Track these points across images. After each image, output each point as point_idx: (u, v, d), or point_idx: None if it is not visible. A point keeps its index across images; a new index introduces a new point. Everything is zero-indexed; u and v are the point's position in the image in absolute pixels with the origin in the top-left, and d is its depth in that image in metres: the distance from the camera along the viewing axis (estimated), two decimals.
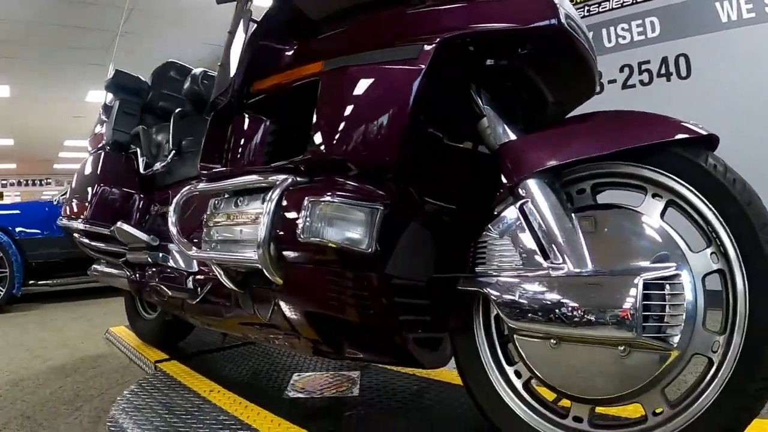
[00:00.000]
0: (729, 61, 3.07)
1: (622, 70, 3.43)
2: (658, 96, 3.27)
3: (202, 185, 1.45)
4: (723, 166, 0.96)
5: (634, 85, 3.39)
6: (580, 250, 1.02)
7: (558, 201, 1.06)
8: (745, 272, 0.91)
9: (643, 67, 3.36)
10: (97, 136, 2.98)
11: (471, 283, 1.16)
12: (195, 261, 1.77)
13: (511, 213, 1.11)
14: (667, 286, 0.94)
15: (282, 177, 1.19)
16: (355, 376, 1.97)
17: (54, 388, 2.39)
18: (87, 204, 2.47)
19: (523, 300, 1.06)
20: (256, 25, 1.39)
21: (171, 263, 2.02)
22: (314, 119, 1.18)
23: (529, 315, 1.05)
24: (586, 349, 1.02)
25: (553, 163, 1.06)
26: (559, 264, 1.03)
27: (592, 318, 0.97)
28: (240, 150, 1.38)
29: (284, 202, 1.18)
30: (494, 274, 1.12)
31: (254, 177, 1.27)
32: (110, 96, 2.91)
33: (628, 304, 0.94)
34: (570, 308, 1.00)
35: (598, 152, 1.02)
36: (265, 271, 1.18)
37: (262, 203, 1.21)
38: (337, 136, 1.13)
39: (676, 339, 0.93)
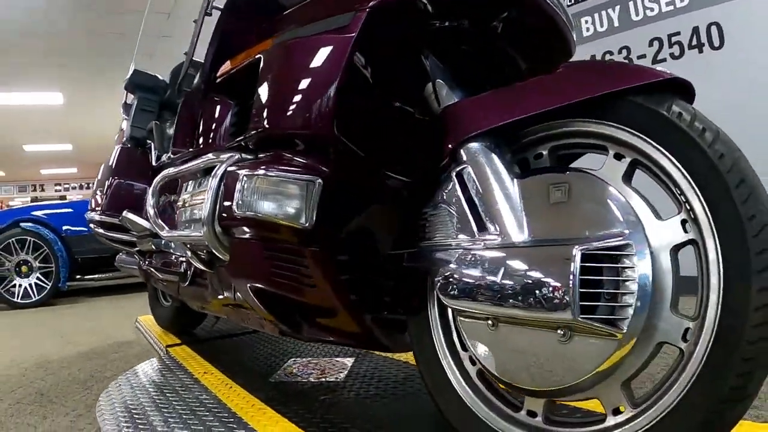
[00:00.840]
0: (765, 28, 2.89)
1: (651, 44, 3.28)
2: (690, 69, 3.11)
3: (171, 169, 1.49)
4: (691, 114, 0.80)
5: (664, 59, 3.24)
6: (518, 220, 0.92)
7: (500, 166, 0.96)
8: (717, 241, 0.75)
9: (673, 39, 3.21)
10: (120, 134, 3.13)
11: (413, 259, 1.10)
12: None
13: (449, 181, 1.03)
14: (613, 259, 0.81)
15: (228, 155, 1.21)
16: (348, 363, 1.98)
17: (73, 370, 2.52)
18: (102, 196, 2.58)
19: (455, 275, 0.97)
20: (220, 12, 1.42)
21: (171, 249, 2.08)
22: (255, 96, 1.18)
23: (462, 292, 0.96)
24: (525, 331, 0.90)
25: (492, 124, 0.96)
26: (494, 235, 0.94)
27: (525, 296, 0.86)
28: (206, 132, 1.42)
29: (226, 180, 1.18)
30: (431, 247, 1.06)
31: (210, 157, 1.30)
32: (131, 95, 3.04)
33: (562, 279, 0.82)
34: (502, 284, 0.89)
35: (542, 108, 0.90)
36: (211, 247, 1.21)
37: None
38: (272, 111, 1.12)
39: (626, 323, 0.79)
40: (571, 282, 0.81)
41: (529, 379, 0.92)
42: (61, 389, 2.20)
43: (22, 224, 5.17)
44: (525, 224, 0.92)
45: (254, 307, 1.27)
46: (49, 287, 5.14)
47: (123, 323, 3.70)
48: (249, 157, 1.20)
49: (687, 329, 0.78)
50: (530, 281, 0.86)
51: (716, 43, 3.06)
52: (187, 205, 1.37)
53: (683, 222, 0.81)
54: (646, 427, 0.80)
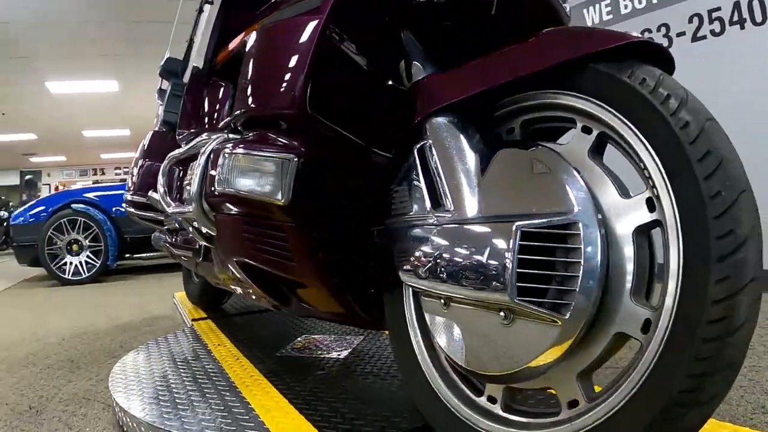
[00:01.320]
0: None
1: (690, 20, 3.16)
2: (732, 47, 3.00)
3: (176, 150, 1.57)
4: (655, 80, 0.73)
5: (704, 37, 3.12)
6: (472, 196, 0.90)
7: (463, 141, 0.94)
8: (679, 222, 0.69)
9: (714, 15, 3.08)
10: (157, 119, 3.28)
11: (381, 236, 1.11)
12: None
13: (411, 156, 1.03)
14: (557, 239, 0.76)
15: (217, 135, 1.27)
16: (355, 342, 2.03)
17: (106, 341, 2.69)
18: (134, 177, 2.72)
19: (411, 253, 0.97)
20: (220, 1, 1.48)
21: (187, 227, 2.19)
22: (239, 80, 1.23)
23: (415, 270, 0.95)
24: (472, 312, 0.88)
25: (454, 97, 0.93)
26: (447, 212, 0.93)
27: (469, 275, 0.84)
28: (204, 115, 1.49)
29: (211, 159, 1.25)
30: (393, 224, 1.06)
31: (203, 138, 1.37)
32: (165, 82, 3.17)
33: (499, 257, 0.79)
34: (449, 262, 0.88)
35: (505, 80, 0.86)
36: (199, 223, 1.27)
37: None
38: (252, 94, 1.17)
39: (569, 309, 0.74)
40: (508, 261, 0.77)
41: (479, 363, 0.89)
42: (91, 357, 2.36)
43: (74, 205, 5.47)
44: (478, 201, 0.89)
45: (243, 281, 1.33)
46: (98, 265, 5.43)
47: (163, 300, 3.88)
48: (235, 137, 1.26)
49: (647, 320, 0.72)
50: (474, 260, 0.84)
51: (758, 18, 2.92)
52: (185, 184, 1.45)
53: (648, 201, 0.74)
54: (590, 426, 0.76)
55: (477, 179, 0.91)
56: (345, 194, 1.20)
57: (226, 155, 1.17)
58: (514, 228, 0.78)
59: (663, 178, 0.71)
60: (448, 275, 0.88)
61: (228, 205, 1.22)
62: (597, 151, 0.83)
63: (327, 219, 1.15)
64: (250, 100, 1.17)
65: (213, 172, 1.21)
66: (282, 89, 1.08)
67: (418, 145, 1.00)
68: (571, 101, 0.83)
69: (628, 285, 0.74)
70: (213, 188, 1.20)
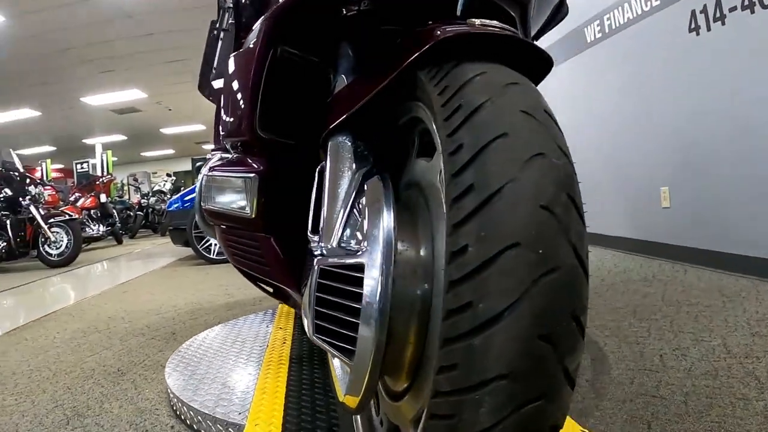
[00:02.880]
0: None
1: None
2: None
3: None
4: (458, 85, 0.69)
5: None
6: (332, 225, 0.88)
7: (345, 163, 0.93)
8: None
9: None
10: None
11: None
12: None
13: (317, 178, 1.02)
14: (345, 278, 0.79)
15: (216, 155, 1.53)
16: None
17: (210, 317, 3.16)
18: None
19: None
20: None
21: None
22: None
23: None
24: None
25: (340, 116, 0.92)
26: (316, 239, 0.92)
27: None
28: (215, 134, 1.75)
29: (204, 177, 1.50)
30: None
31: (208, 156, 1.65)
32: None
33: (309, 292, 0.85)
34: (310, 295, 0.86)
35: (372, 92, 0.84)
36: (204, 231, 1.55)
37: None
38: (220, 119, 1.37)
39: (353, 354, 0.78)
40: (312, 297, 0.81)
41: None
42: (190, 332, 2.81)
43: None
44: (337, 231, 0.87)
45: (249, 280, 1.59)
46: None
47: None
48: (226, 156, 1.49)
49: None
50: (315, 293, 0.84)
51: None
52: None
53: None
54: None
55: (341, 206, 0.90)
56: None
57: (206, 175, 1.44)
58: (315, 263, 0.83)
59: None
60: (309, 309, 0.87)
61: (210, 217, 1.48)
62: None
63: (293, 227, 1.25)
64: (219, 126, 1.40)
65: (202, 189, 1.48)
66: (235, 117, 1.25)
67: (319, 166, 1.00)
68: (411, 108, 0.86)
69: None
70: (202, 202, 1.47)
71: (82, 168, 16.51)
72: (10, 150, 7.20)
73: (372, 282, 0.73)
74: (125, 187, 16.99)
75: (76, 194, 10.56)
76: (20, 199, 6.87)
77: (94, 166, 16.21)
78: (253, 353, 1.98)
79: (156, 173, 20.39)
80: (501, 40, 0.76)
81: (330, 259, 0.81)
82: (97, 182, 11.10)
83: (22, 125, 13.17)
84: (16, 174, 7.00)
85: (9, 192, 6.89)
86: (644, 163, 3.81)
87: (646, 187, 3.79)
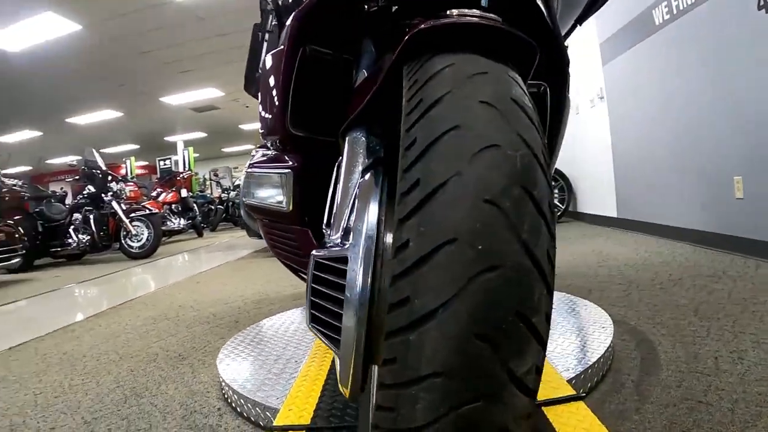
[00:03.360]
0: None
1: None
2: None
3: None
4: (425, 78, 0.70)
5: None
6: (341, 219, 0.90)
7: (360, 158, 0.94)
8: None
9: None
10: None
11: None
12: None
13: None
14: (335, 270, 0.84)
15: (260, 151, 1.58)
16: None
17: (274, 307, 3.26)
18: None
19: None
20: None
21: None
22: None
23: None
24: None
25: (355, 109, 0.95)
26: (327, 231, 0.95)
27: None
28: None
29: (246, 173, 1.55)
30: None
31: (252, 152, 1.70)
32: None
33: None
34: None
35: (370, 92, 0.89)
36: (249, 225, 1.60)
37: None
38: (259, 118, 1.41)
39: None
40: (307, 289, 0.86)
41: None
42: (252, 320, 2.92)
43: None
44: (343, 224, 0.90)
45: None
46: None
47: None
48: (268, 153, 1.55)
49: None
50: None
51: None
52: None
53: None
54: None
55: (350, 200, 0.91)
56: None
57: (247, 171, 1.49)
58: (311, 256, 0.87)
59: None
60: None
61: (253, 211, 1.54)
62: None
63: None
64: (259, 124, 1.45)
65: (244, 184, 1.54)
66: (269, 115, 1.31)
67: (337, 161, 1.02)
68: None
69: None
70: (244, 198, 1.53)
71: (164, 164, 17.36)
72: (93, 149, 7.69)
73: (353, 274, 0.76)
74: (207, 182, 17.75)
75: (158, 189, 11.14)
76: (103, 195, 7.35)
77: (176, 163, 17.02)
78: (303, 342, 2.03)
79: (237, 168, 21.18)
80: (477, 29, 0.76)
81: (322, 252, 0.85)
82: (178, 178, 11.64)
83: (106, 125, 14.06)
84: (98, 172, 7.47)
85: (92, 189, 7.39)
86: (716, 151, 3.58)
87: (717, 177, 3.57)
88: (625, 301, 2.37)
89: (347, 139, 0.98)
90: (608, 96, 5.25)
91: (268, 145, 1.49)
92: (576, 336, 1.67)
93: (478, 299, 0.53)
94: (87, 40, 8.24)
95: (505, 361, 0.53)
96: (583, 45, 5.74)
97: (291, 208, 1.32)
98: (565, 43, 1.46)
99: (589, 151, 5.92)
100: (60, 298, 4.62)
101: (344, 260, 0.79)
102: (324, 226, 0.98)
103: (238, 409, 1.54)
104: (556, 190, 6.43)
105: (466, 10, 0.79)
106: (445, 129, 0.61)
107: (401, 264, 0.57)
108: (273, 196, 1.38)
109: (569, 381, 1.36)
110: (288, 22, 1.19)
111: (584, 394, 1.31)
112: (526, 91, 0.71)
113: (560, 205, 6.43)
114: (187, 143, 17.54)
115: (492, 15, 0.79)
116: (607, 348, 1.56)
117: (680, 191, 4.06)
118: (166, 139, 17.74)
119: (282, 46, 1.22)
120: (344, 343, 0.76)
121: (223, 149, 21.93)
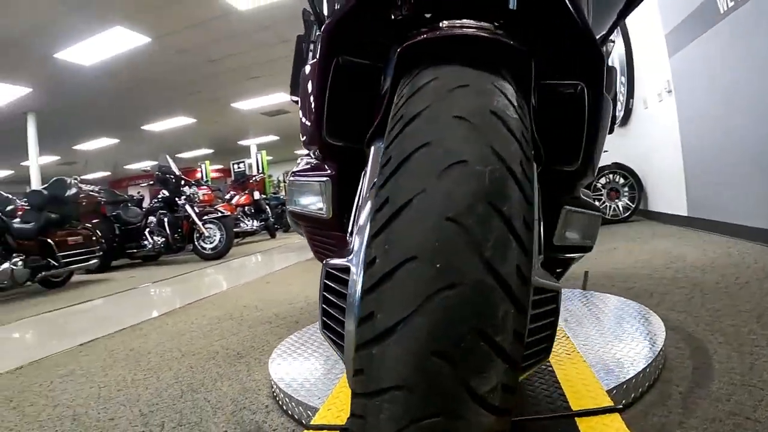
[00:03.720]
0: None
1: None
2: None
3: None
4: (409, 93, 0.76)
5: None
6: (362, 229, 0.91)
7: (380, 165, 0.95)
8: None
9: None
10: None
11: None
12: None
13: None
14: (340, 280, 0.90)
15: (304, 158, 1.61)
16: None
17: None
18: None
19: None
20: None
21: None
22: None
23: None
24: None
25: (375, 122, 1.00)
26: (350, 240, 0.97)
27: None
28: None
29: (288, 180, 1.57)
30: None
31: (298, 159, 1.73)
32: None
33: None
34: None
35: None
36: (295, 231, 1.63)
37: None
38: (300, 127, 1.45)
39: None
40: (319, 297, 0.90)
41: None
42: (313, 321, 2.97)
43: None
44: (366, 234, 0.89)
45: None
46: None
47: None
48: (311, 161, 1.58)
49: None
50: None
51: None
52: None
53: None
54: None
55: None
56: None
57: (289, 179, 1.52)
58: (323, 265, 0.91)
59: None
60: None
61: (296, 218, 1.57)
62: None
63: None
64: (300, 134, 1.48)
65: (287, 192, 1.57)
66: (308, 125, 1.34)
67: (363, 170, 1.07)
68: None
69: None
70: (288, 205, 1.57)
71: (238, 168, 17.95)
72: (167, 155, 8.08)
73: (353, 283, 0.80)
74: (281, 184, 18.21)
75: (232, 192, 11.54)
76: (176, 199, 7.69)
77: (249, 166, 17.57)
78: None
79: None
80: (466, 40, 0.78)
81: (332, 261, 0.89)
82: (251, 181, 12.01)
83: (180, 131, 14.73)
84: (172, 177, 7.83)
85: (166, 193, 7.75)
86: None
87: None
88: (686, 305, 2.24)
89: (371, 148, 1.03)
90: (676, 89, 5.00)
91: (310, 153, 1.53)
92: (624, 343, 1.59)
93: (436, 317, 0.54)
94: (156, 52, 8.74)
95: (465, 378, 0.54)
96: (648, 37, 5.50)
97: (330, 215, 1.34)
98: (612, 38, 1.41)
99: (659, 147, 5.67)
100: (132, 298, 4.88)
101: (347, 270, 0.82)
102: (348, 235, 1.03)
103: (284, 407, 1.58)
104: (626, 188, 6.19)
105: (457, 21, 0.82)
106: (417, 146, 0.63)
107: (369, 280, 0.60)
108: (314, 203, 1.41)
109: (611, 390, 1.30)
110: (320, 34, 1.21)
111: (620, 406, 1.25)
112: (516, 100, 0.72)
113: (631, 204, 6.18)
114: (260, 146, 18.08)
115: (487, 24, 0.82)
116: (656, 356, 1.48)
117: (753, 188, 3.81)
118: (239, 142, 18.36)
119: (316, 57, 1.24)
120: (347, 348, 0.79)
121: (296, 152, 22.46)
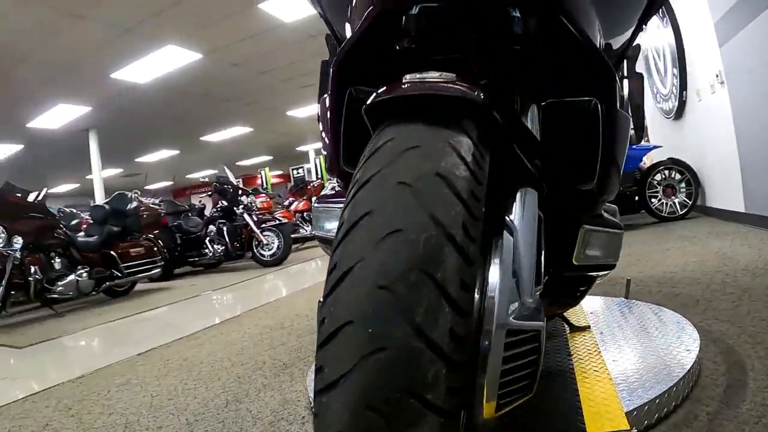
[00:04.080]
0: None
1: None
2: None
3: None
4: (379, 143, 0.83)
5: None
6: None
7: None
8: None
9: None
10: None
11: None
12: None
13: None
14: None
15: (329, 186, 1.68)
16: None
17: None
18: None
19: None
20: None
21: None
22: None
23: None
24: None
25: None
26: None
27: None
28: None
29: (313, 206, 1.66)
30: None
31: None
32: None
33: None
34: None
35: None
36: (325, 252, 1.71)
37: None
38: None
39: None
40: None
41: None
42: None
43: None
44: None
45: None
46: None
47: None
48: (334, 187, 1.65)
49: None
50: None
51: None
52: None
53: None
54: None
55: None
56: None
57: (314, 205, 1.60)
58: None
59: None
60: None
61: (321, 242, 1.64)
62: None
63: None
64: (324, 160, 1.55)
65: (313, 217, 1.65)
66: (327, 154, 1.41)
67: None
68: None
69: None
70: (313, 230, 1.65)
71: (297, 173, 18.34)
72: (224, 166, 8.41)
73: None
74: None
75: (290, 198, 11.80)
76: (234, 208, 7.97)
77: (308, 171, 17.90)
78: None
79: None
80: (422, 97, 0.82)
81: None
82: (308, 187, 12.25)
83: (238, 140, 15.19)
84: (230, 187, 8.11)
85: (224, 203, 8.04)
86: None
87: None
88: (731, 314, 2.14)
89: None
90: (728, 79, 4.79)
91: (334, 180, 1.60)
92: (655, 358, 1.54)
93: (370, 376, 0.61)
94: (208, 67, 9.16)
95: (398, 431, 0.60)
96: (696, 28, 5.31)
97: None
98: (636, 43, 1.41)
99: (715, 141, 5.43)
100: (190, 306, 5.10)
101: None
102: None
103: None
104: (682, 185, 5.97)
105: (418, 75, 0.87)
106: (362, 214, 0.71)
107: (320, 337, 0.67)
108: (331, 228, 1.49)
109: (631, 412, 1.27)
110: (330, 67, 1.25)
111: (635, 430, 1.23)
112: (472, 155, 0.76)
113: (688, 201, 5.96)
114: (319, 152, 18.39)
115: (450, 75, 0.86)
116: (685, 374, 1.43)
117: None
118: (297, 149, 18.73)
119: (330, 89, 1.28)
120: None
121: None
